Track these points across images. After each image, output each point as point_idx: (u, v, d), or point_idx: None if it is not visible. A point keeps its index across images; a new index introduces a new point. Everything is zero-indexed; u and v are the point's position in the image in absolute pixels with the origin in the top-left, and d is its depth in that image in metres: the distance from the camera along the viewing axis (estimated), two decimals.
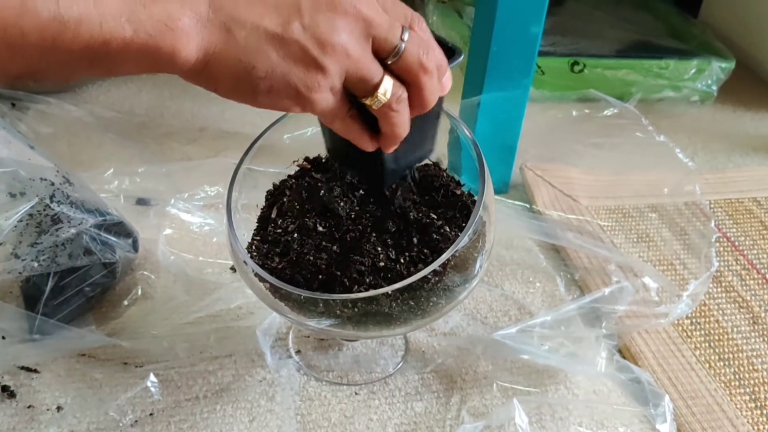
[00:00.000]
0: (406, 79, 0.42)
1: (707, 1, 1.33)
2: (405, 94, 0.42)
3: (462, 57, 0.47)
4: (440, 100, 0.46)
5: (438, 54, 0.43)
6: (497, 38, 0.73)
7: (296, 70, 0.38)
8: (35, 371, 0.60)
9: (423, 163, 0.58)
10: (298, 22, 0.38)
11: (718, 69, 1.11)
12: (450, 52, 0.46)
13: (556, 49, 1.13)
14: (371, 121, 0.44)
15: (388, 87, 0.41)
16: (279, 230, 0.54)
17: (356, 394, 0.61)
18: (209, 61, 0.37)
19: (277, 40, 0.38)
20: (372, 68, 0.40)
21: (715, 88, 1.12)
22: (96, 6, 0.34)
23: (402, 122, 0.44)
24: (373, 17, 0.39)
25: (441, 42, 0.45)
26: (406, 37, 0.41)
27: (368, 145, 0.45)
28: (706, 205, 0.86)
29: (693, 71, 1.11)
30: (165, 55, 0.36)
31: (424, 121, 0.47)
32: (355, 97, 0.42)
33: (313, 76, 0.39)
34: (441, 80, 0.44)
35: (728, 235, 0.84)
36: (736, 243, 0.83)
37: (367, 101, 0.42)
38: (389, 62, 0.41)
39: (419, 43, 0.41)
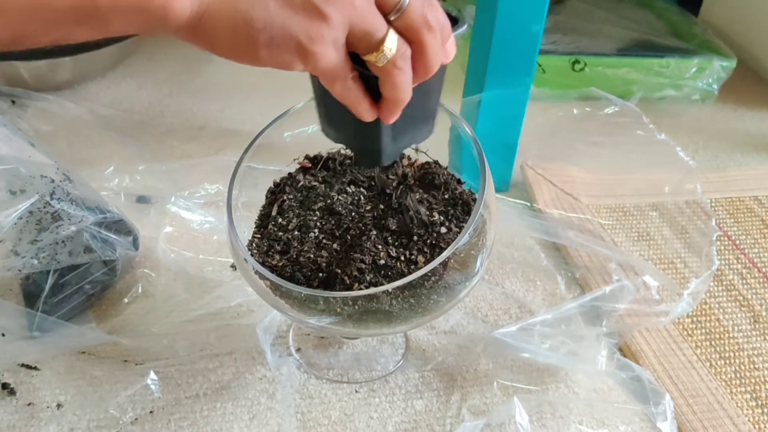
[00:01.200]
0: (410, 36, 0.40)
1: None
2: (409, 51, 0.41)
3: (465, 26, 0.46)
4: (442, 71, 0.45)
5: (442, 15, 0.42)
6: (498, 37, 0.73)
7: (297, 19, 0.36)
8: (35, 368, 0.60)
9: (424, 161, 0.58)
10: None
11: (720, 68, 1.11)
12: (453, 21, 0.44)
13: (557, 48, 1.13)
14: (371, 91, 0.43)
15: (393, 42, 0.39)
16: (279, 228, 0.54)
17: (356, 392, 0.61)
18: (204, 14, 0.36)
19: None
20: (377, 21, 0.39)
21: (716, 86, 1.12)
22: None
23: (406, 84, 0.42)
24: None
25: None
26: None
27: (368, 114, 0.43)
28: (707, 203, 0.86)
29: (694, 70, 1.11)
30: (157, 9, 0.34)
31: (424, 93, 0.45)
32: (355, 59, 0.40)
33: (316, 26, 0.37)
34: (444, 45, 0.42)
35: (729, 233, 0.84)
36: (737, 242, 0.83)
37: (371, 57, 0.40)
38: (392, 18, 0.39)
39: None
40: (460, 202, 0.55)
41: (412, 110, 0.44)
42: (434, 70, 0.42)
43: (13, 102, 0.93)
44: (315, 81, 0.47)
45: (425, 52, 0.41)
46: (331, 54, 0.38)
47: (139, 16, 0.34)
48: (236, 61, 0.38)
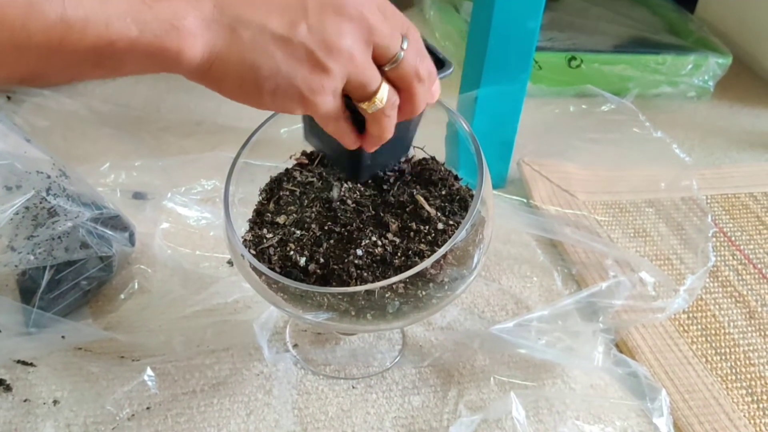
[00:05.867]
0: (400, 86, 0.43)
1: None
2: (398, 101, 0.44)
3: (451, 69, 0.48)
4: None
5: (429, 63, 0.44)
6: (495, 33, 0.73)
7: (301, 71, 0.39)
8: (31, 365, 0.60)
9: (421, 157, 0.58)
10: (305, 24, 0.38)
11: (715, 65, 1.11)
12: (440, 63, 0.47)
13: (553, 45, 1.13)
14: (357, 120, 0.45)
15: (384, 94, 0.42)
16: (276, 224, 0.54)
17: (353, 388, 0.61)
18: (214, 61, 0.37)
19: (283, 42, 0.38)
20: (373, 75, 0.41)
21: (711, 83, 1.13)
22: (102, 6, 0.34)
23: (390, 126, 0.45)
24: (376, 24, 0.40)
25: (431, 52, 0.46)
26: (405, 45, 0.41)
27: (353, 144, 0.46)
28: (703, 200, 0.86)
29: (690, 67, 1.11)
30: (171, 55, 0.36)
31: (406, 125, 0.48)
32: (348, 98, 0.43)
33: (318, 79, 0.39)
34: (431, 89, 0.45)
35: (725, 230, 0.84)
36: (733, 238, 0.83)
37: (364, 105, 0.42)
38: (386, 69, 0.42)
39: (416, 52, 0.42)
40: (458, 198, 0.55)
41: (393, 139, 0.47)
42: (419, 112, 0.46)
43: (9, 97, 0.92)
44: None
45: (413, 100, 0.44)
46: (329, 102, 0.41)
47: (153, 60, 0.36)
48: (241, 102, 0.40)
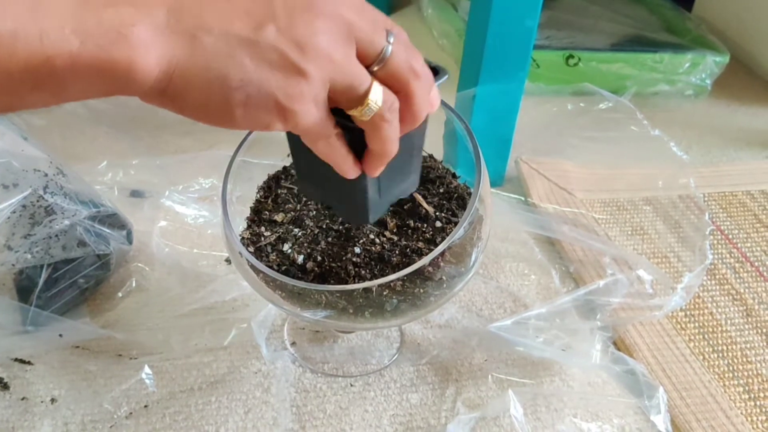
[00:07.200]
0: (395, 86, 0.38)
1: None
2: (397, 103, 0.38)
3: (447, 76, 0.43)
4: (425, 122, 0.42)
5: (424, 64, 0.39)
6: (493, 31, 0.73)
7: (275, 77, 0.33)
8: (29, 363, 0.60)
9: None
10: (273, 24, 0.33)
11: (713, 63, 1.11)
12: (434, 72, 0.42)
13: (551, 43, 1.13)
14: (354, 146, 0.40)
15: (377, 94, 0.37)
16: (274, 222, 0.54)
17: (352, 385, 0.61)
18: (174, 74, 0.32)
19: (251, 45, 0.33)
20: (359, 73, 0.36)
21: (709, 82, 1.13)
22: (34, 16, 0.29)
23: (393, 136, 0.39)
24: (354, 19, 0.35)
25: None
26: (391, 39, 0.37)
27: (352, 171, 0.41)
28: (700, 198, 0.86)
29: (687, 65, 1.11)
30: (121, 69, 0.31)
31: (409, 144, 0.43)
32: (338, 115, 0.38)
33: (295, 83, 0.34)
34: (429, 94, 0.40)
35: (722, 228, 0.84)
36: (730, 236, 0.83)
37: (356, 112, 0.37)
38: (375, 68, 0.37)
39: (405, 46, 0.38)
40: (455, 196, 0.55)
41: (397, 162, 0.42)
42: (421, 119, 0.40)
43: None
44: (291, 137, 0.44)
45: (413, 101, 0.39)
46: (312, 112, 0.35)
47: (101, 79, 0.31)
48: (209, 123, 0.35)
